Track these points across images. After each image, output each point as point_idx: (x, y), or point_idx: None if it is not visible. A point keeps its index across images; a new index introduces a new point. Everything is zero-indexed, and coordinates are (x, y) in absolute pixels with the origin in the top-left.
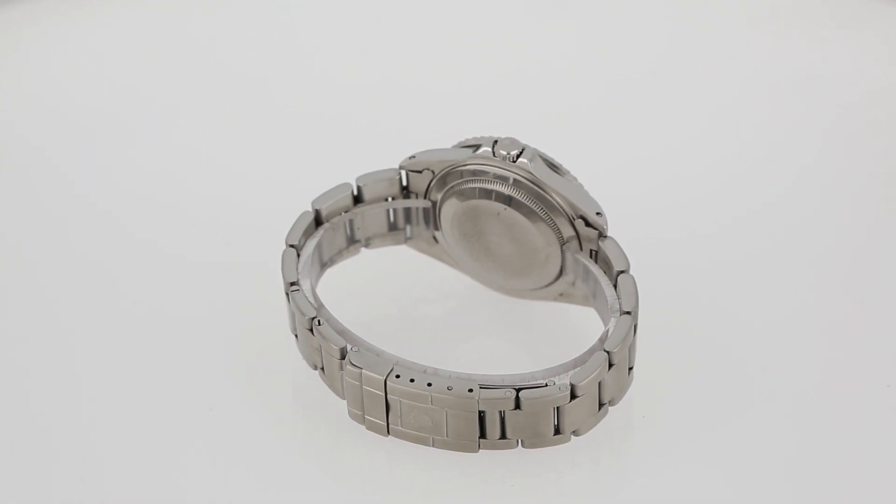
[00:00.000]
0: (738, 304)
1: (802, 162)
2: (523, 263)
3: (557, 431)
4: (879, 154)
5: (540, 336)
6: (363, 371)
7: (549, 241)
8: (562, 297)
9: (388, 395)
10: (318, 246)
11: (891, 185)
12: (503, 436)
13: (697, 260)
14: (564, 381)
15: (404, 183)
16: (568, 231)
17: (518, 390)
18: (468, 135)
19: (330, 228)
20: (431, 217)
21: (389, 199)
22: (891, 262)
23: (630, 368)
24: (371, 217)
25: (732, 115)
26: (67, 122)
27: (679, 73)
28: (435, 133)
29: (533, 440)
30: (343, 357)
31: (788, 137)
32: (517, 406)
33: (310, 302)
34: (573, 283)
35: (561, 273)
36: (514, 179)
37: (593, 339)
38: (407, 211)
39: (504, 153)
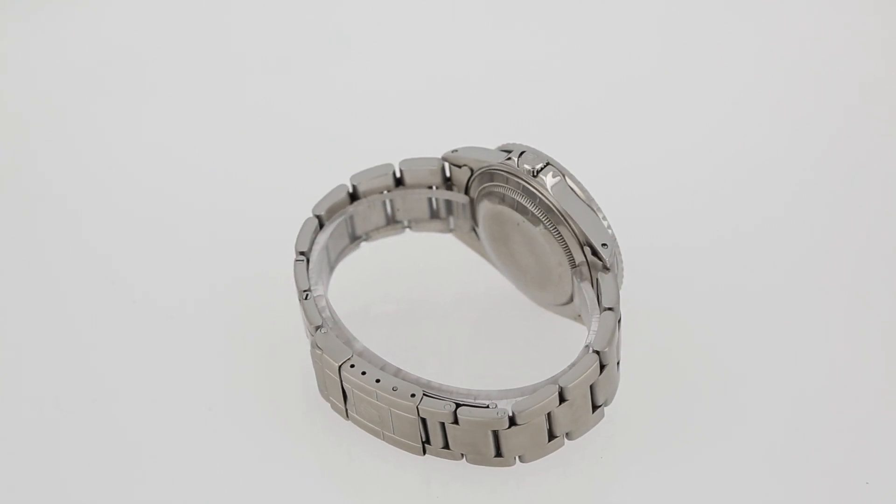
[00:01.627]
0: (734, 336)
1: (807, 167)
2: (540, 277)
3: (499, 454)
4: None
5: (562, 350)
6: (323, 354)
7: (561, 262)
8: (580, 318)
9: (343, 383)
10: (350, 219)
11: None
12: (446, 446)
13: (696, 268)
14: (507, 407)
15: (447, 174)
16: (580, 256)
17: (458, 406)
18: (471, 138)
19: (366, 204)
20: (470, 213)
21: (433, 187)
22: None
23: (598, 406)
24: (413, 201)
25: (735, 118)
26: (64, 132)
27: (682, 75)
28: (433, 137)
29: (474, 457)
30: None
31: (792, 142)
32: (455, 421)
33: (307, 275)
34: (581, 309)
35: (572, 296)
36: (533, 194)
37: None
38: (448, 203)
39: (528, 167)
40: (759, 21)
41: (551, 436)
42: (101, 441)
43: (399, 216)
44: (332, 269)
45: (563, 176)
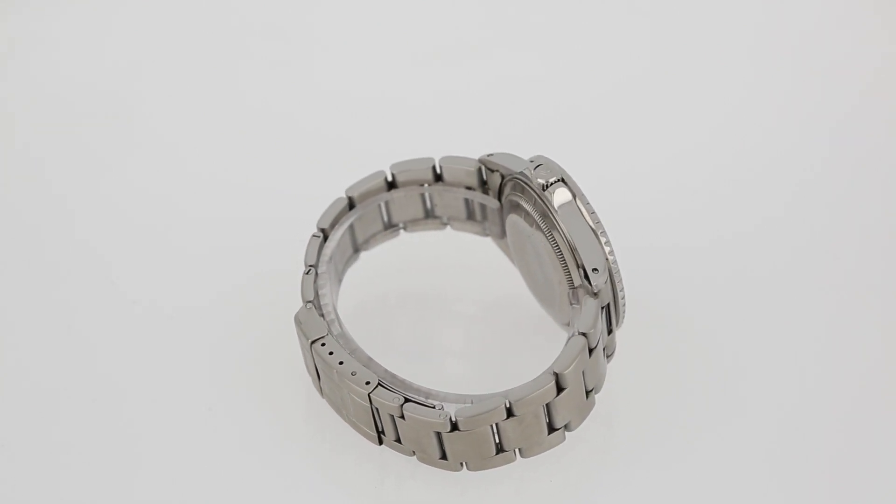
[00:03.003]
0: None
1: (806, 167)
2: (547, 294)
3: (444, 457)
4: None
5: None
6: (301, 327)
7: (561, 281)
8: None
9: (315, 359)
10: (386, 205)
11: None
12: (398, 440)
13: (696, 269)
14: (452, 411)
15: (484, 177)
16: (577, 278)
17: (407, 401)
18: (469, 139)
19: (403, 193)
20: (500, 219)
21: (471, 188)
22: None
23: (556, 429)
24: (450, 198)
25: (736, 119)
26: (70, 133)
27: (683, 76)
28: (430, 139)
29: (421, 455)
30: None
31: (793, 142)
32: (402, 416)
33: (319, 252)
34: None
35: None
36: (542, 209)
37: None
38: (483, 206)
39: (541, 181)
40: (758, 21)
41: (500, 448)
42: (101, 441)
43: (438, 211)
44: (357, 250)
45: (574, 195)
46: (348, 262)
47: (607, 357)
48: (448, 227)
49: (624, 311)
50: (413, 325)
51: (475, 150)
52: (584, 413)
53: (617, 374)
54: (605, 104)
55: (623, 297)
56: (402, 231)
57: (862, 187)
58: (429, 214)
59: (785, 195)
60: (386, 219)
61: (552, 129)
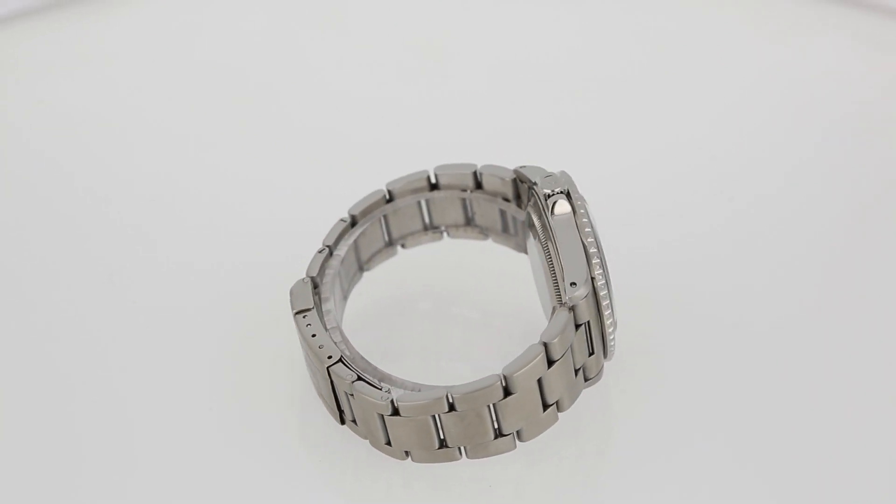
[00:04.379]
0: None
1: (796, 163)
2: (547, 309)
3: (388, 442)
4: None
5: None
6: (291, 298)
7: (552, 296)
8: None
9: (297, 331)
10: (428, 203)
11: (886, 192)
12: (354, 420)
13: (697, 268)
14: (396, 395)
15: (518, 190)
16: (565, 295)
17: (358, 379)
18: (463, 143)
19: (444, 195)
20: (524, 232)
21: (508, 200)
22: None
23: (503, 434)
24: (487, 208)
25: (727, 116)
26: (80, 131)
27: (672, 74)
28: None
29: (370, 438)
30: None
31: (782, 140)
32: (352, 394)
33: (340, 236)
34: None
35: None
36: (544, 219)
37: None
38: (515, 219)
39: (547, 191)
40: (757, 20)
41: (444, 444)
42: (100, 441)
43: (477, 220)
44: (390, 243)
45: (574, 210)
46: (378, 254)
47: (587, 380)
48: (489, 240)
49: (613, 341)
50: (436, 329)
51: (476, 151)
52: (539, 425)
53: (616, 375)
54: (606, 104)
55: (611, 323)
56: (445, 235)
57: (865, 186)
58: (469, 221)
59: (785, 195)
60: (427, 220)
61: (551, 130)
